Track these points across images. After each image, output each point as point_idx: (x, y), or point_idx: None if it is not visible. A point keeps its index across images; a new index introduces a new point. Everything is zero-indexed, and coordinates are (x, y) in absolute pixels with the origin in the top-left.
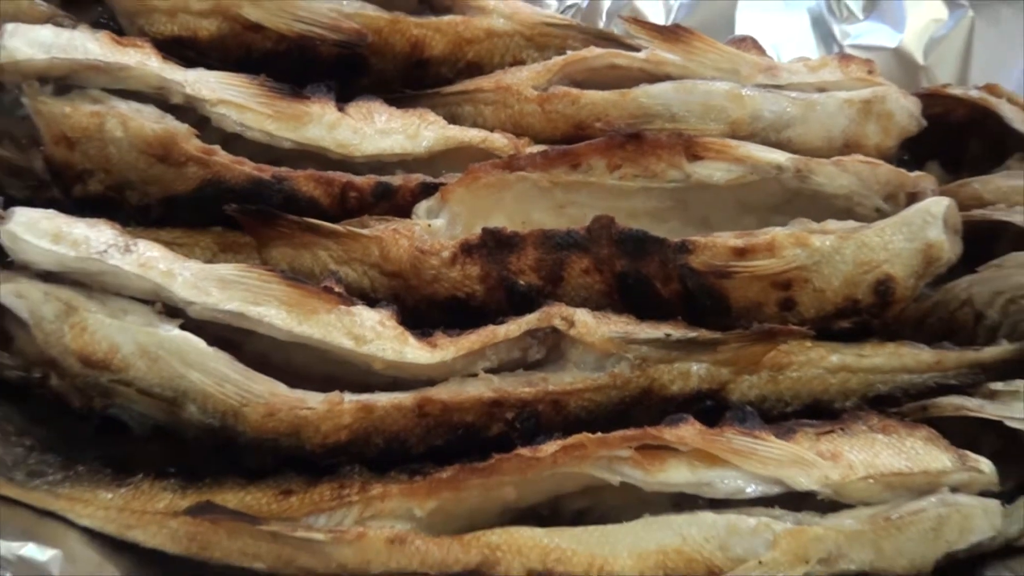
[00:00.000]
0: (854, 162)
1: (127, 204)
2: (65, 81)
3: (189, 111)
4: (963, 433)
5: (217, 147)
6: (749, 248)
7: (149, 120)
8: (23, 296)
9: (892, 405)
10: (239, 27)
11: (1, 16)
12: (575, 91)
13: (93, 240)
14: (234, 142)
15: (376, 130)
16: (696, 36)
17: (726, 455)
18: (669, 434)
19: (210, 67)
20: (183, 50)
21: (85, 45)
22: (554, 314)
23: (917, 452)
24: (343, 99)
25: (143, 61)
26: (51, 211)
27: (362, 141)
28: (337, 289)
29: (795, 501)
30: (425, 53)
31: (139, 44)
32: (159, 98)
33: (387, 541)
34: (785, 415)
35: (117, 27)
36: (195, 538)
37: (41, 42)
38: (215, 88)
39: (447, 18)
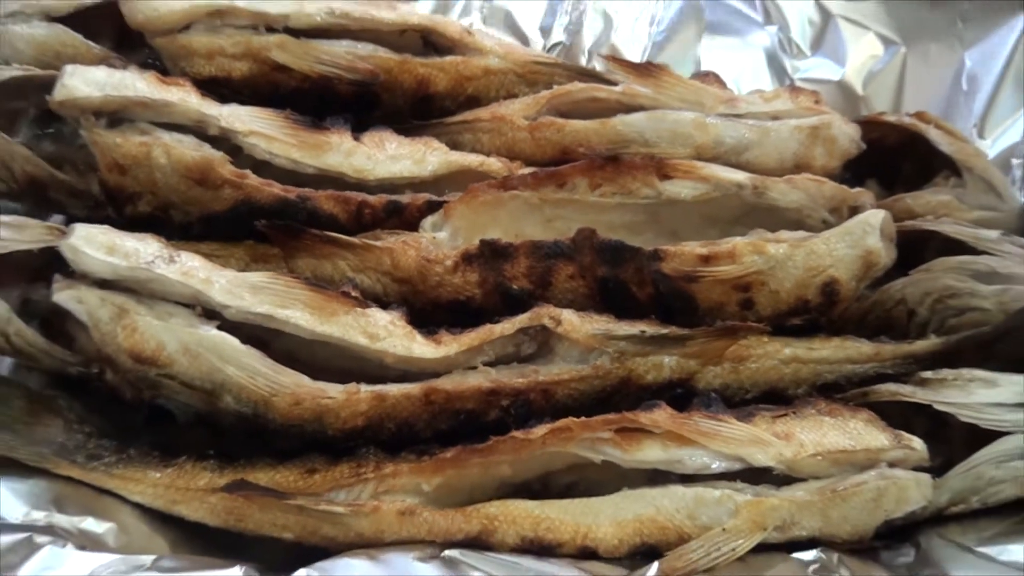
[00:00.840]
0: (803, 180)
1: (171, 222)
2: (117, 115)
3: (224, 141)
4: (898, 416)
5: (248, 171)
6: (713, 255)
7: (189, 149)
8: (82, 301)
9: (837, 391)
10: (268, 68)
11: (62, 58)
12: (561, 120)
13: (142, 252)
14: (264, 167)
15: (387, 156)
16: (666, 71)
17: (694, 436)
18: (644, 418)
19: (242, 103)
20: (219, 88)
21: (134, 84)
22: (543, 314)
23: (859, 432)
24: (358, 129)
25: (184, 98)
26: (106, 227)
27: (375, 166)
28: (354, 294)
29: (754, 476)
30: (430, 89)
31: (181, 83)
32: (198, 129)
33: (398, 513)
34: (745, 401)
35: (162, 67)
36: (232, 512)
37: (96, 81)
38: (247, 121)
39: (449, 58)
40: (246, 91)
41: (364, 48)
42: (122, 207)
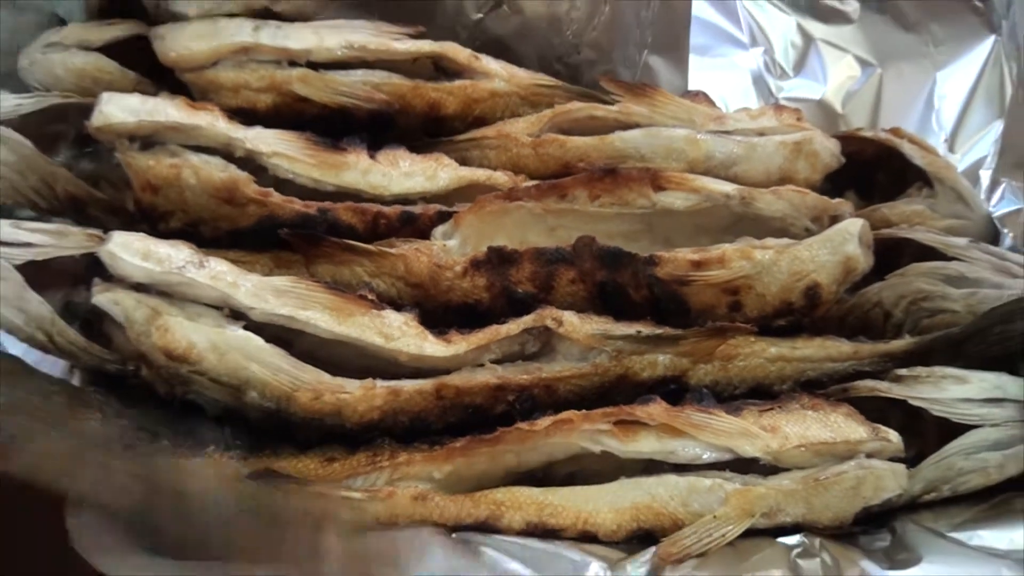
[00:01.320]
0: (788, 191)
1: (201, 236)
2: (149, 139)
3: (249, 161)
4: (875, 410)
5: (272, 190)
6: (704, 261)
7: (216, 170)
8: (119, 303)
9: (819, 387)
10: (290, 99)
11: (99, 83)
12: (562, 137)
13: (174, 257)
14: (286, 184)
15: (401, 173)
16: (659, 91)
17: (687, 428)
18: (640, 411)
19: (266, 126)
20: (245, 118)
21: (166, 110)
22: (546, 315)
23: (839, 425)
24: (374, 146)
25: (212, 122)
26: (141, 234)
27: (390, 183)
28: (370, 297)
29: (742, 466)
30: (441, 112)
31: (209, 108)
32: (225, 151)
33: (412, 498)
34: (734, 396)
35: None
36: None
37: (131, 108)
38: (270, 143)
39: (458, 83)
40: (270, 121)
41: (379, 75)
42: (156, 224)
